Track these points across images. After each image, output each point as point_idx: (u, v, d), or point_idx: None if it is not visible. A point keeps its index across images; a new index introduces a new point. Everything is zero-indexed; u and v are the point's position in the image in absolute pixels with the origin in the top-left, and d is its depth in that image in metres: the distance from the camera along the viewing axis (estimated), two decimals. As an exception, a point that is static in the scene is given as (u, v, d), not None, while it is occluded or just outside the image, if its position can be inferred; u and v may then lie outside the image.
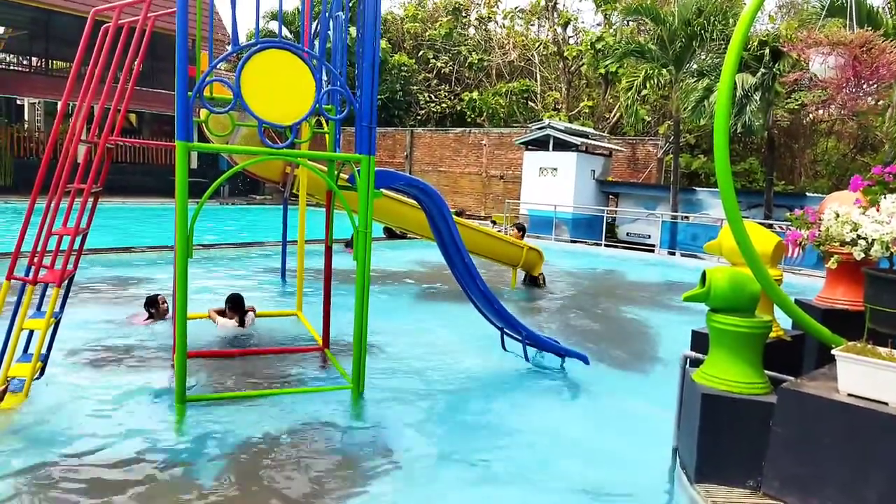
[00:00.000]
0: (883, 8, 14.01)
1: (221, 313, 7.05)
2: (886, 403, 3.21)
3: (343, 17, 5.66)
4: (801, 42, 5.86)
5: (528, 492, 4.02)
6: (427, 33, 31.33)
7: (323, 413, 4.98)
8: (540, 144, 19.83)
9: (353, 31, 12.36)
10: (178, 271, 4.77)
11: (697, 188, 19.13)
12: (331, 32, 5.89)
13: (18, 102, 25.72)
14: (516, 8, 31.52)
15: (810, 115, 19.71)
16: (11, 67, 27.43)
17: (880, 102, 13.49)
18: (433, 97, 30.47)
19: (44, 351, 5.01)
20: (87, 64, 5.17)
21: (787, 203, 16.22)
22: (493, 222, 20.76)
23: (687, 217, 17.41)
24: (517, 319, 6.51)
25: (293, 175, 9.16)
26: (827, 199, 4.63)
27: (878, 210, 3.76)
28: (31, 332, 5.02)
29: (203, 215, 4.83)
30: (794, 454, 3.44)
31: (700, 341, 4.35)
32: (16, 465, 3.93)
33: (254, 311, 7.25)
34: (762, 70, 15.20)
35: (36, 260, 4.82)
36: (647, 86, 18.52)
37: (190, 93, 4.61)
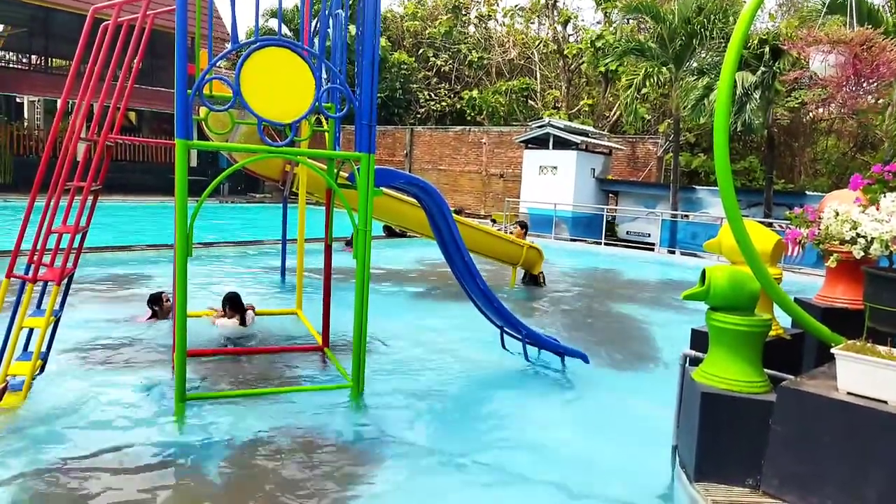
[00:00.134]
0: (883, 6, 14.00)
1: (221, 315, 7.04)
2: (886, 402, 3.21)
3: (343, 14, 5.65)
4: (801, 40, 5.85)
5: (527, 490, 4.03)
6: (427, 31, 31.30)
7: (323, 412, 4.98)
8: (540, 143, 19.82)
9: (352, 28, 12.34)
10: (177, 269, 4.76)
11: (697, 187, 19.13)
12: (330, 30, 5.89)
13: (18, 100, 25.72)
14: (516, 6, 31.51)
15: (810, 114, 19.70)
16: (11, 65, 27.41)
17: (880, 101, 13.48)
18: (433, 95, 30.45)
19: (44, 349, 5.01)
20: (86, 62, 5.16)
21: (787, 201, 16.22)
22: (493, 221, 20.76)
23: (687, 215, 17.41)
24: (517, 318, 6.51)
25: (293, 173, 9.16)
26: (827, 197, 4.63)
27: (877, 208, 3.76)
28: (31, 330, 5.02)
29: (203, 214, 4.83)
30: (794, 453, 3.45)
31: (699, 340, 4.35)
32: (15, 464, 3.94)
33: (253, 309, 7.24)
34: (762, 68, 15.19)
35: (36, 258, 4.82)
36: (647, 84, 18.51)
37: (189, 91, 4.61)
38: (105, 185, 5.30)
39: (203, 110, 5.25)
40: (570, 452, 4.57)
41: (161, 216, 18.42)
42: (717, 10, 15.77)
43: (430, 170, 26.76)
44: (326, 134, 6.26)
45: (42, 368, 5.17)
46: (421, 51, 31.28)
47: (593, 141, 20.47)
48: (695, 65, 16.79)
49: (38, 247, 4.82)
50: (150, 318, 7.14)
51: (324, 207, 6.74)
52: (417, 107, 30.35)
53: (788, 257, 4.47)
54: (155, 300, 7.18)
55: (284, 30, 25.43)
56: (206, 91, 5.13)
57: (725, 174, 3.67)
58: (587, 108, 26.64)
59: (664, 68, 17.20)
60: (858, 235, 3.72)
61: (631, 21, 23.80)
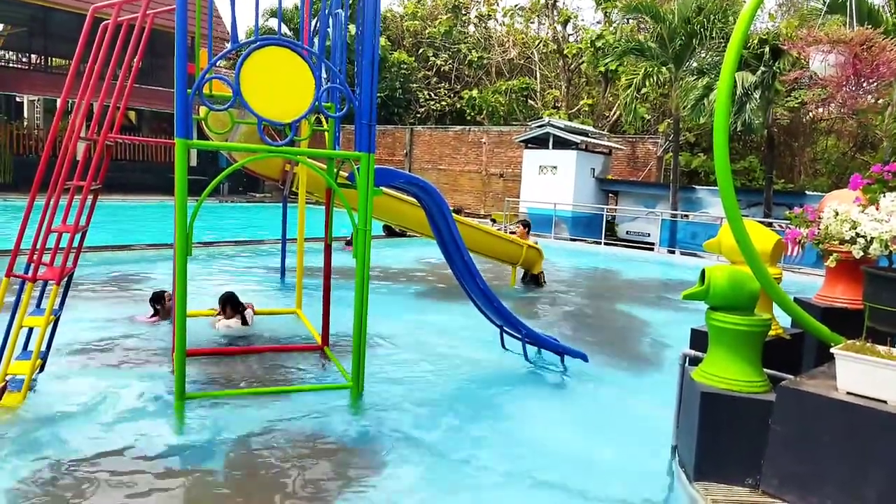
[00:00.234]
0: (883, 6, 14.00)
1: (220, 316, 7.02)
2: (885, 402, 3.21)
3: (342, 14, 5.65)
4: (801, 40, 5.85)
5: (527, 489, 4.03)
6: (427, 31, 31.29)
7: (322, 411, 4.98)
8: (540, 142, 19.82)
9: (352, 28, 12.34)
10: (177, 269, 4.76)
11: (697, 186, 19.13)
12: (330, 30, 5.89)
13: (18, 100, 25.71)
14: (516, 6, 31.50)
15: (810, 114, 19.70)
16: (11, 65, 27.40)
17: (880, 101, 13.48)
18: (433, 95, 30.44)
19: (43, 348, 5.01)
20: (86, 61, 5.16)
21: (787, 201, 16.22)
22: (493, 220, 20.76)
23: (686, 215, 17.41)
24: (517, 318, 6.51)
25: (292, 173, 9.16)
26: (826, 197, 4.63)
27: (877, 208, 3.76)
28: (31, 329, 5.02)
29: (202, 213, 4.82)
30: (794, 452, 3.45)
31: (699, 339, 4.35)
32: (15, 463, 3.93)
33: (252, 307, 7.23)
34: (762, 68, 15.19)
35: (35, 257, 4.81)
36: (647, 84, 18.51)
37: (189, 90, 4.60)
38: (105, 185, 5.30)
39: (203, 110, 5.25)
40: (570, 452, 4.56)
41: (161, 215, 18.42)
42: (716, 10, 15.77)
43: (430, 169, 26.76)
44: (326, 133, 6.26)
45: (42, 368, 5.17)
46: (421, 50, 31.27)
47: (593, 141, 20.47)
48: (695, 65, 16.78)
49: (38, 246, 4.82)
50: (152, 316, 7.13)
51: (323, 207, 6.74)
52: (417, 106, 30.34)
53: (788, 257, 4.47)
54: (157, 299, 7.17)
55: (284, 29, 25.44)
56: (205, 90, 5.13)
57: (725, 174, 3.67)
58: (587, 108, 26.64)
59: (664, 68, 17.20)
60: (858, 235, 3.72)
61: (631, 21, 23.79)
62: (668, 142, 20.88)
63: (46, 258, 4.98)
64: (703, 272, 3.95)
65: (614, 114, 25.82)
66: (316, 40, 6.27)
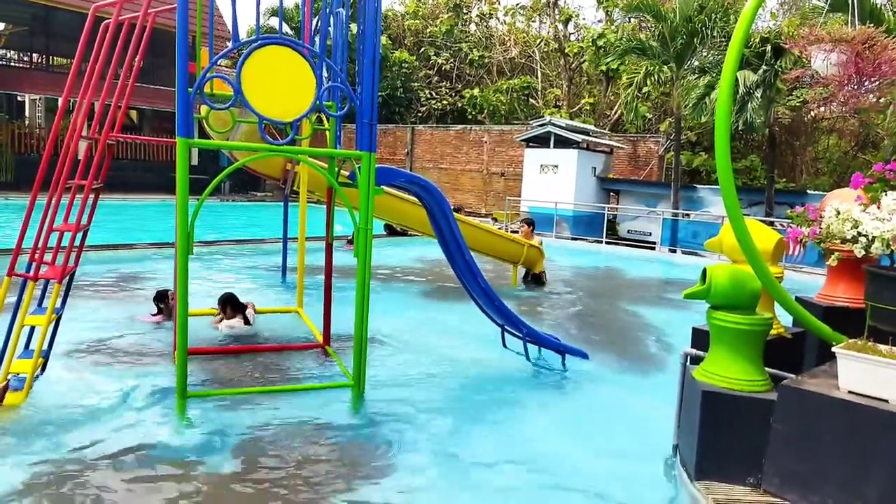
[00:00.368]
0: (885, 4, 13.98)
1: (221, 317, 7.02)
2: (887, 401, 3.21)
3: (344, 13, 5.65)
4: (803, 39, 5.84)
5: (528, 488, 4.03)
6: (428, 30, 31.28)
7: (323, 410, 4.98)
8: (541, 141, 19.81)
9: (353, 27, 12.32)
10: (178, 268, 4.77)
11: (698, 185, 19.11)
12: (331, 29, 5.89)
13: (19, 99, 25.73)
14: (517, 4, 31.47)
15: (812, 113, 19.66)
16: (12, 64, 27.42)
17: (882, 100, 13.46)
18: (434, 94, 30.43)
19: (45, 347, 5.01)
20: (87, 60, 5.16)
21: (789, 200, 16.21)
22: (495, 219, 20.75)
23: (688, 214, 17.40)
24: (518, 317, 6.51)
25: (294, 172, 9.16)
26: (828, 196, 4.63)
27: (878, 207, 3.76)
28: (32, 328, 5.02)
29: (204, 212, 4.83)
30: (795, 451, 3.45)
31: (700, 338, 4.35)
32: (16, 462, 3.94)
33: (253, 306, 7.23)
34: (764, 67, 15.17)
35: (37, 256, 4.82)
36: (648, 83, 18.48)
37: (190, 89, 4.60)
38: (106, 184, 5.30)
39: (204, 109, 5.25)
40: (571, 451, 4.57)
41: (162, 214, 18.44)
42: (718, 9, 15.74)
43: (431, 168, 26.75)
44: (327, 132, 6.26)
45: (43, 367, 5.18)
46: (422, 49, 31.25)
47: (594, 140, 20.45)
48: (696, 63, 16.76)
49: (40, 245, 4.83)
50: (155, 315, 7.13)
51: (325, 206, 6.74)
52: (418, 105, 30.33)
53: (790, 256, 4.48)
54: (160, 297, 7.17)
55: (285, 28, 25.42)
56: (206, 89, 5.13)
57: (727, 173, 3.67)
58: (588, 107, 26.62)
59: (665, 67, 17.18)
60: (860, 234, 3.72)
61: (632, 20, 23.77)
62: (669, 141, 20.86)
63: (48, 257, 4.99)
64: (704, 271, 3.94)
65: (615, 113, 25.79)
66: (317, 39, 6.27)
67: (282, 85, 4.75)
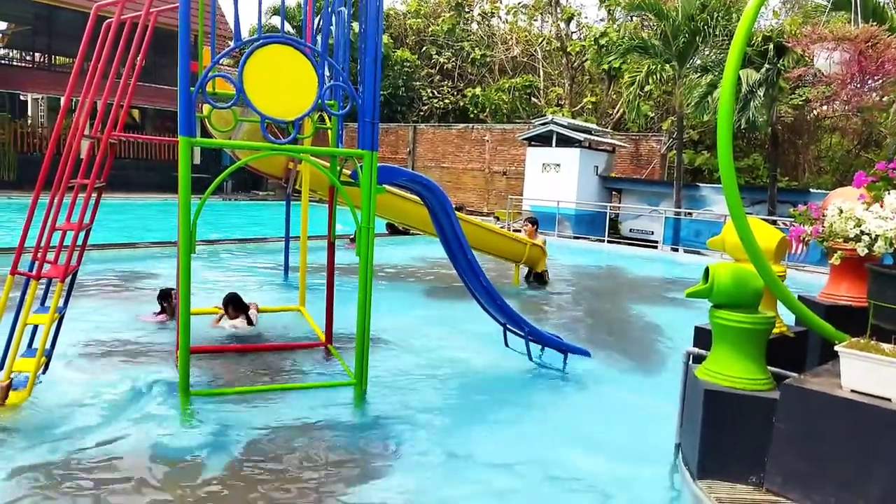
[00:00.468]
0: (888, 3, 13.93)
1: (223, 315, 7.03)
2: (889, 400, 3.21)
3: (345, 12, 5.65)
4: (806, 37, 5.83)
5: (529, 486, 4.03)
6: (430, 29, 31.26)
7: (326, 409, 4.99)
8: (543, 140, 19.79)
9: (355, 26, 12.33)
10: (181, 267, 4.77)
11: (701, 184, 19.08)
12: (333, 28, 5.89)
13: (22, 98, 25.77)
14: (519, 3, 31.44)
15: (814, 111, 19.61)
16: (15, 63, 27.47)
17: (885, 98, 13.43)
18: (436, 93, 30.42)
19: (48, 346, 5.02)
20: (89, 59, 5.17)
21: (791, 199, 16.18)
22: (497, 218, 20.75)
23: (690, 213, 17.38)
24: (520, 315, 6.51)
25: (296, 171, 9.17)
26: (831, 195, 4.62)
27: (881, 206, 3.75)
28: (35, 327, 5.03)
29: (206, 211, 4.83)
30: (797, 450, 3.44)
31: (703, 337, 4.34)
32: (20, 461, 3.95)
33: (256, 307, 7.24)
34: (766, 65, 15.14)
35: (39, 255, 4.83)
36: (651, 81, 18.44)
37: (192, 88, 4.61)
38: (108, 183, 5.31)
39: (206, 108, 5.25)
40: (572, 449, 4.56)
41: (164, 213, 18.46)
42: (720, 7, 15.71)
43: (433, 167, 26.75)
44: (329, 131, 6.26)
45: (46, 365, 5.19)
46: (424, 48, 31.24)
47: (596, 138, 20.43)
48: (698, 62, 16.72)
49: (42, 244, 4.83)
50: (159, 313, 7.14)
51: (326, 205, 6.74)
52: (420, 104, 30.32)
53: (792, 255, 4.47)
54: (164, 296, 7.16)
55: (287, 27, 25.43)
56: (209, 88, 5.13)
57: (729, 172, 3.66)
58: (590, 106, 26.59)
59: (667, 65, 17.15)
60: (862, 233, 3.71)
61: (634, 18, 23.74)
62: (671, 139, 20.83)
63: (51, 256, 5.00)
64: (706, 270, 3.94)
65: (618, 111, 25.76)
66: (319, 38, 6.28)
67: (284, 84, 4.76)
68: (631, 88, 18.59)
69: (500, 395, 5.71)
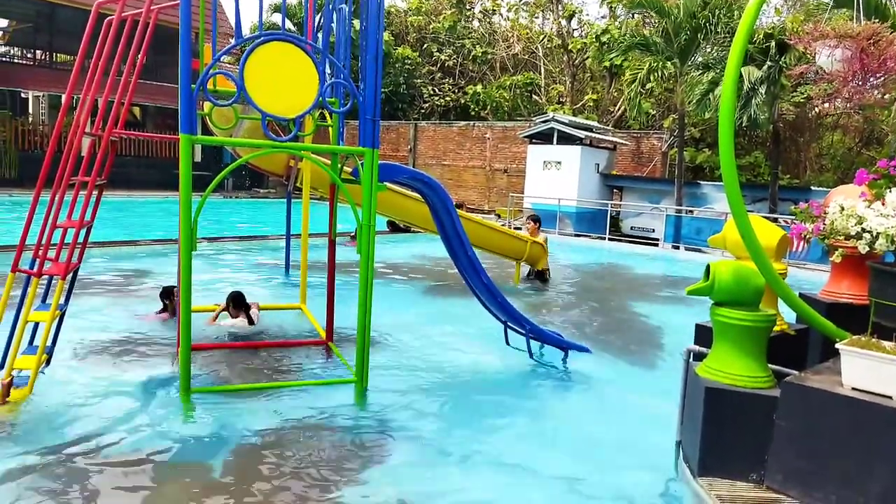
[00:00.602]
0: (890, 0, 13.89)
1: (223, 310, 7.03)
2: (891, 397, 3.20)
3: (346, 9, 5.65)
4: (808, 35, 5.82)
5: (530, 484, 4.03)
6: (431, 26, 31.23)
7: (327, 406, 4.99)
8: (544, 138, 19.77)
9: (356, 23, 12.31)
10: (181, 264, 4.78)
11: (702, 182, 19.06)
12: (334, 25, 5.88)
13: (23, 95, 25.78)
14: (521, 0, 31.38)
15: (816, 109, 19.60)
16: (16, 60, 27.48)
17: (886, 95, 13.39)
18: (437, 90, 30.40)
19: (49, 344, 5.03)
20: (90, 57, 5.17)
21: (792, 197, 16.15)
22: (498, 216, 20.74)
23: (691, 211, 17.36)
24: (520, 313, 6.51)
25: (296, 168, 9.16)
26: (832, 192, 4.61)
27: (883, 203, 3.74)
28: (36, 325, 5.04)
29: (207, 209, 4.83)
30: (798, 448, 3.44)
31: (704, 335, 4.34)
32: (20, 458, 3.96)
33: (257, 306, 7.23)
34: (768, 63, 15.11)
35: (41, 253, 4.83)
36: (652, 79, 18.41)
37: (193, 86, 4.61)
38: (109, 180, 5.31)
39: (207, 105, 5.25)
40: (573, 447, 4.57)
41: (165, 211, 18.47)
42: (722, 5, 15.68)
43: (434, 165, 26.74)
44: (330, 129, 6.26)
45: (47, 363, 5.20)
46: (425, 46, 31.21)
47: (597, 136, 20.40)
48: (700, 59, 16.69)
49: (44, 241, 4.84)
50: (161, 311, 7.13)
51: (327, 202, 6.74)
52: (421, 102, 30.30)
53: (793, 252, 4.46)
54: (167, 294, 7.15)
55: (288, 24, 25.43)
56: (209, 86, 5.13)
57: (730, 169, 3.66)
58: (591, 103, 26.55)
59: (669, 63, 17.13)
60: (864, 230, 3.71)
61: (636, 16, 23.71)
62: (672, 137, 20.81)
63: (52, 253, 5.00)
64: (707, 268, 3.94)
65: (619, 109, 25.74)
66: (320, 36, 6.27)
67: (285, 81, 4.75)
68: (632, 86, 18.57)
69: (501, 392, 5.72)
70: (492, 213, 22.61)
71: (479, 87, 28.63)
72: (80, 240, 5.06)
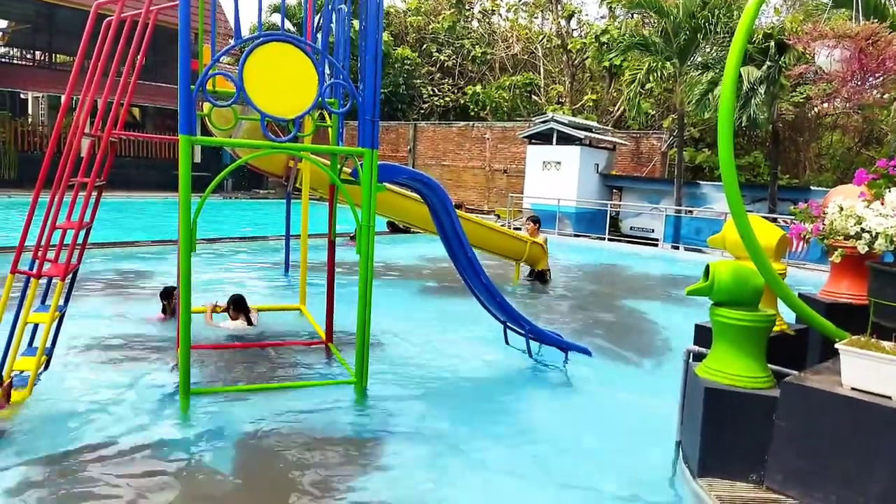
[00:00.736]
0: (889, 0, 13.90)
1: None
2: (890, 397, 3.21)
3: (346, 10, 5.65)
4: (807, 35, 5.82)
5: (530, 485, 4.03)
6: (430, 26, 31.24)
7: (326, 407, 4.99)
8: (543, 138, 19.77)
9: (355, 24, 12.30)
10: (181, 265, 4.77)
11: (701, 182, 19.06)
12: (333, 25, 5.88)
13: (22, 96, 25.78)
14: (520, 1, 31.39)
15: (815, 109, 19.60)
16: (15, 61, 27.48)
17: (886, 95, 13.40)
18: (436, 91, 30.40)
19: (48, 345, 5.02)
20: (90, 58, 5.17)
21: (792, 197, 16.15)
22: (497, 216, 20.74)
23: (691, 211, 17.37)
24: (520, 313, 6.51)
25: (296, 169, 9.16)
26: (831, 192, 4.61)
27: (882, 203, 3.75)
28: (36, 326, 5.04)
29: (206, 209, 4.83)
30: (798, 448, 3.45)
31: (703, 335, 4.34)
32: (20, 459, 3.95)
33: (256, 312, 7.21)
34: (767, 63, 15.12)
35: (40, 254, 4.83)
36: (651, 79, 18.40)
37: (193, 86, 4.61)
38: (109, 181, 5.31)
39: (206, 106, 5.25)
40: (573, 447, 4.57)
41: (165, 212, 18.47)
42: (721, 5, 15.69)
43: (434, 165, 26.74)
44: (329, 129, 6.26)
45: (47, 364, 5.19)
46: (424, 46, 31.21)
47: (597, 136, 20.41)
48: (699, 59, 16.70)
49: (43, 242, 4.83)
50: (161, 312, 7.12)
51: (327, 203, 6.74)
52: (421, 102, 30.30)
53: (793, 252, 4.46)
54: (167, 294, 7.14)
55: (287, 25, 25.42)
56: (209, 86, 5.13)
57: (730, 169, 3.66)
58: (591, 104, 26.56)
59: (668, 63, 17.13)
60: (863, 230, 3.71)
61: (635, 16, 23.71)
62: (672, 137, 20.81)
63: (51, 255, 5.00)
64: (707, 268, 3.94)
65: (618, 109, 25.74)
66: (319, 36, 6.27)
67: (284, 82, 4.75)
68: (632, 86, 18.57)
69: (500, 392, 5.72)
70: (491, 213, 22.61)
71: (478, 88, 28.64)
72: (80, 241, 5.06)
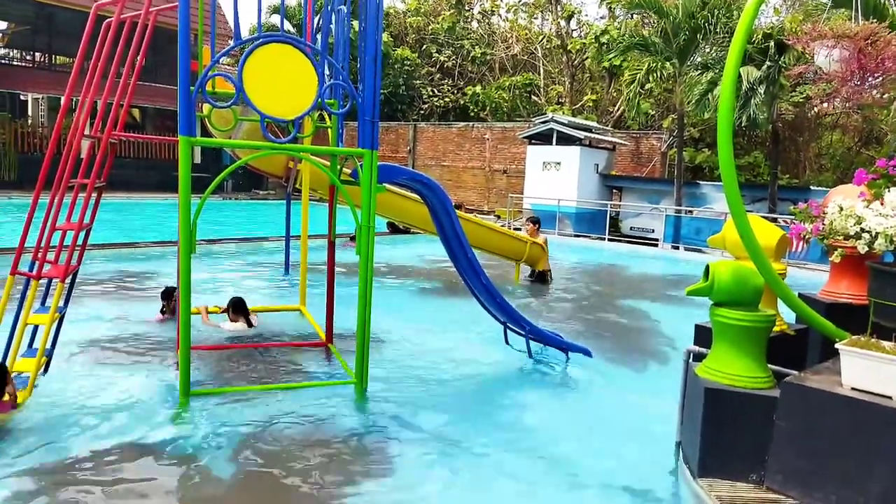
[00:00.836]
0: (889, 0, 13.90)
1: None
2: (890, 397, 3.21)
3: (345, 10, 5.65)
4: (806, 35, 5.82)
5: (530, 485, 4.03)
6: (430, 27, 31.25)
7: (326, 408, 4.99)
8: (543, 138, 19.77)
9: (355, 24, 12.28)
10: (181, 266, 4.77)
11: (701, 182, 19.06)
12: (333, 26, 5.88)
13: (22, 98, 25.79)
14: (520, 1, 31.40)
15: (815, 109, 19.61)
16: (15, 63, 27.49)
17: (885, 95, 13.41)
18: (436, 91, 30.41)
19: (48, 346, 5.02)
20: (90, 59, 5.17)
21: (792, 197, 16.15)
22: (497, 217, 20.74)
23: (691, 211, 17.37)
24: (520, 314, 6.51)
25: (296, 170, 9.17)
26: (831, 192, 4.62)
27: (882, 203, 3.75)
28: (36, 327, 5.04)
29: (206, 210, 4.83)
30: (798, 448, 3.44)
31: (703, 335, 4.34)
32: (20, 460, 3.95)
33: (255, 317, 7.21)
34: (767, 63, 15.12)
35: (40, 255, 4.83)
36: (651, 79, 18.40)
37: (192, 87, 4.61)
38: (108, 183, 5.31)
39: (206, 107, 5.25)
40: (574, 448, 4.56)
41: (165, 213, 18.46)
42: (721, 5, 15.69)
43: (434, 166, 26.74)
44: (329, 130, 6.26)
45: (47, 365, 5.19)
46: (424, 47, 31.22)
47: (597, 136, 20.41)
48: (699, 59, 16.70)
49: (43, 244, 4.84)
50: (160, 313, 7.12)
51: (327, 204, 6.74)
52: (421, 103, 30.30)
53: (793, 252, 4.47)
54: (167, 295, 7.14)
55: (287, 26, 25.41)
56: (208, 87, 5.13)
57: (729, 169, 3.66)
58: (591, 104, 26.56)
59: (668, 63, 17.13)
60: (863, 230, 3.71)
61: (635, 16, 23.71)
62: (672, 137, 20.81)
63: (51, 256, 5.00)
64: (707, 268, 3.94)
65: (618, 109, 25.74)
66: (319, 37, 6.27)
67: (284, 83, 4.75)
68: (631, 86, 18.58)
69: (501, 393, 5.72)
70: (491, 213, 22.61)
71: (478, 88, 28.64)
72: (80, 242, 5.06)
